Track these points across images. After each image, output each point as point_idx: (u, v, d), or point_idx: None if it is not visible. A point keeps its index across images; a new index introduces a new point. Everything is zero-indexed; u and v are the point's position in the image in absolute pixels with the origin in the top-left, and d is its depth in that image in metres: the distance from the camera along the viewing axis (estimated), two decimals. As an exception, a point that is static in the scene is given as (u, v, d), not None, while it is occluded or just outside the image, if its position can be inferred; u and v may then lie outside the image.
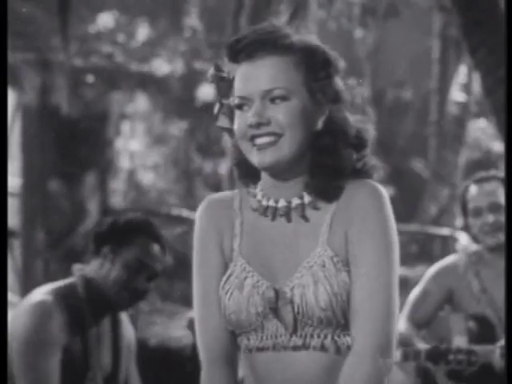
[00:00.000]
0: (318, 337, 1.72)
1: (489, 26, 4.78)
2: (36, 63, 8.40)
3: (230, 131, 1.79)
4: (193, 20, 10.86)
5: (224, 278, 1.76)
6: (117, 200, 10.21)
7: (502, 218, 3.15)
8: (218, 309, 1.77)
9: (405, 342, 3.20)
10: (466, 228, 3.31)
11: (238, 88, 1.73)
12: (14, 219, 8.84)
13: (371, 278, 1.70)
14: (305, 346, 1.72)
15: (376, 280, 1.70)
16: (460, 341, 3.17)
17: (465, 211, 3.28)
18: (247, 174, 1.81)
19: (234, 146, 1.80)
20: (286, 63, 1.71)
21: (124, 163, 10.57)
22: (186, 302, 7.63)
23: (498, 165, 10.08)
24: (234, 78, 1.74)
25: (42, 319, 2.71)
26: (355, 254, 1.71)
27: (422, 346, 3.15)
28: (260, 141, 1.71)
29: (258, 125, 1.70)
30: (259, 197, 1.78)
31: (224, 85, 1.76)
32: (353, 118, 1.77)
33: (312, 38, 1.76)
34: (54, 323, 2.72)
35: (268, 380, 1.74)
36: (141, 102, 10.34)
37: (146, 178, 11.18)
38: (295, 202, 1.76)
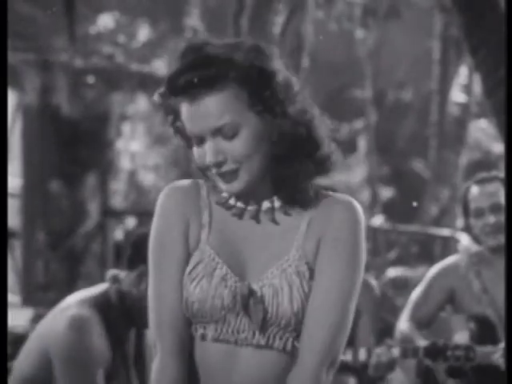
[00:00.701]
0: (281, 339, 1.73)
1: (489, 27, 4.78)
2: (36, 64, 8.40)
3: (188, 145, 1.80)
4: (193, 21, 10.85)
5: (190, 266, 1.75)
6: (117, 201, 10.21)
7: (504, 219, 3.14)
8: (175, 298, 1.75)
9: (406, 341, 3.20)
10: (467, 228, 3.31)
11: (188, 127, 1.74)
12: (14, 220, 8.83)
13: (329, 291, 1.72)
14: (268, 346, 1.73)
15: (333, 294, 1.72)
16: (461, 339, 3.17)
17: (466, 212, 3.28)
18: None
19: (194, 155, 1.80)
20: (226, 97, 1.71)
21: (125, 164, 10.57)
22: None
23: (498, 165, 10.08)
24: (179, 109, 1.75)
25: (83, 337, 2.70)
26: (321, 263, 1.74)
27: (422, 342, 3.15)
28: (222, 175, 1.73)
29: (216, 164, 1.72)
30: (225, 194, 1.80)
31: (170, 108, 1.77)
32: (303, 118, 1.76)
33: (247, 47, 1.73)
34: (95, 340, 2.71)
35: (217, 371, 1.74)
36: (141, 103, 10.34)
37: (147, 178, 11.18)
38: (266, 205, 1.78)
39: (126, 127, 10.47)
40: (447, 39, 11.02)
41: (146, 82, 9.51)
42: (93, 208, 9.08)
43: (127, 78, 9.44)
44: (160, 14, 10.70)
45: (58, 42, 8.46)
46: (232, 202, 1.79)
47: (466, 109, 11.37)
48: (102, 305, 2.77)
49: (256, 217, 1.78)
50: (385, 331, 3.65)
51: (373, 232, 9.19)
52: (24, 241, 8.81)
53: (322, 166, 1.78)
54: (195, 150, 1.76)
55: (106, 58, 9.37)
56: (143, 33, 10.50)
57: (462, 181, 10.06)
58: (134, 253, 2.82)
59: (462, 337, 3.19)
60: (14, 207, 8.83)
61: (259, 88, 1.72)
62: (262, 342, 1.73)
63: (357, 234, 1.75)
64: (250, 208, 1.78)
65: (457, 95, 11.65)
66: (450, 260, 3.35)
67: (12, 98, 8.80)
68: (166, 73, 1.79)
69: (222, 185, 1.75)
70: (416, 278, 6.03)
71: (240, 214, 1.78)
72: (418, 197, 11.18)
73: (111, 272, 2.86)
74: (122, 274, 2.84)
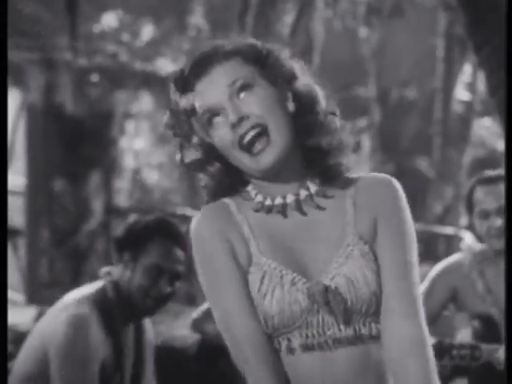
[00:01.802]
0: (364, 325, 1.71)
1: (493, 25, 4.78)
2: (40, 62, 8.41)
3: (200, 162, 1.78)
4: (197, 19, 10.85)
5: (257, 283, 1.70)
6: (121, 199, 10.21)
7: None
8: (248, 317, 1.70)
9: None
10: (470, 227, 3.30)
11: (204, 101, 1.73)
12: (18, 218, 8.84)
13: (398, 274, 1.72)
14: (356, 336, 1.70)
15: (403, 277, 1.72)
16: (463, 337, 3.17)
17: (470, 211, 3.26)
18: (227, 187, 1.79)
19: (212, 173, 1.78)
20: (234, 64, 1.73)
21: (128, 162, 10.57)
22: (191, 301, 7.63)
23: (502, 163, 10.05)
24: (192, 107, 1.75)
25: (81, 334, 2.71)
26: (383, 247, 1.73)
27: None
28: (249, 138, 1.69)
29: (240, 120, 1.69)
30: (259, 198, 1.76)
31: (184, 118, 1.77)
32: (317, 87, 1.77)
33: (246, 39, 1.78)
34: (93, 337, 2.72)
35: (310, 381, 1.70)
36: (145, 101, 10.34)
37: (151, 176, 11.18)
38: (303, 193, 1.75)
39: (130, 125, 10.47)
40: (451, 37, 11.01)
41: (149, 81, 9.52)
42: (97, 206, 9.08)
43: (131, 77, 9.45)
44: (164, 12, 10.71)
45: (61, 40, 8.46)
46: (268, 202, 1.75)
47: (470, 107, 11.37)
48: (100, 301, 2.79)
49: (299, 208, 1.74)
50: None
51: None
52: (28, 239, 8.82)
53: (335, 150, 1.76)
54: (214, 129, 1.73)
55: (109, 57, 9.37)
56: (147, 31, 10.50)
57: (466, 179, 10.05)
58: (116, 247, 2.85)
59: (464, 334, 3.18)
60: (18, 205, 8.84)
61: (264, 59, 1.74)
62: (351, 333, 1.70)
63: (406, 210, 1.77)
64: (289, 201, 1.74)
65: (461, 93, 11.65)
66: (453, 258, 3.34)
67: (16, 96, 8.80)
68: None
69: (249, 162, 1.70)
70: (420, 277, 6.02)
71: (283, 211, 1.74)
72: (421, 195, 11.18)
73: (104, 269, 2.89)
74: (114, 268, 2.87)
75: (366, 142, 12.34)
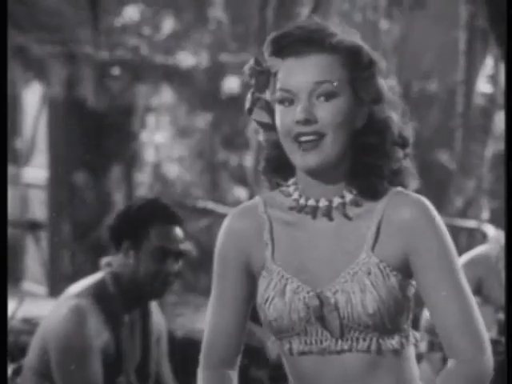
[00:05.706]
0: (364, 340, 1.72)
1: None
2: (62, 56, 8.43)
3: (267, 126, 1.77)
4: (218, 12, 10.85)
5: (262, 287, 1.75)
6: (142, 192, 10.23)
7: None
8: (231, 317, 1.79)
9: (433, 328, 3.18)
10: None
11: (285, 81, 1.72)
12: (40, 211, 8.89)
13: (453, 299, 1.72)
14: (350, 350, 1.72)
15: (456, 299, 1.72)
16: (489, 333, 3.15)
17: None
18: (277, 169, 1.80)
19: (267, 141, 1.79)
20: (333, 61, 1.71)
21: (149, 156, 10.59)
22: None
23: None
24: (275, 73, 1.74)
25: (79, 325, 2.72)
26: (428, 282, 1.72)
27: None
28: (305, 138, 1.70)
29: (306, 121, 1.69)
30: (296, 196, 1.77)
31: (263, 78, 1.75)
32: (396, 117, 1.78)
33: (356, 38, 1.77)
34: (91, 328, 2.73)
35: (307, 381, 1.75)
36: (166, 95, 10.34)
37: (172, 170, 11.20)
38: (337, 201, 1.74)
39: (151, 119, 10.50)
40: (473, 30, 10.95)
41: (170, 74, 9.53)
42: (118, 200, 9.12)
43: (152, 70, 9.47)
44: (184, 5, 10.71)
45: (83, 34, 8.48)
46: (302, 201, 1.76)
47: (492, 99, 11.30)
48: (99, 293, 2.79)
49: (328, 214, 1.74)
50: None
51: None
52: (50, 232, 8.86)
53: (402, 169, 1.77)
54: (281, 111, 1.72)
55: (130, 50, 9.39)
56: (167, 25, 10.51)
57: (488, 172, 10.00)
58: (113, 237, 2.83)
59: (490, 332, 3.16)
60: (40, 199, 8.88)
61: (362, 67, 1.73)
62: (346, 347, 1.72)
63: (443, 232, 1.73)
64: (321, 205, 1.75)
65: (483, 86, 11.58)
66: (479, 249, 3.31)
67: (38, 90, 8.84)
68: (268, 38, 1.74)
69: (298, 157, 1.71)
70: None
71: (313, 213, 1.74)
72: (443, 188, 11.14)
73: (105, 259, 2.88)
74: (114, 258, 2.85)
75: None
